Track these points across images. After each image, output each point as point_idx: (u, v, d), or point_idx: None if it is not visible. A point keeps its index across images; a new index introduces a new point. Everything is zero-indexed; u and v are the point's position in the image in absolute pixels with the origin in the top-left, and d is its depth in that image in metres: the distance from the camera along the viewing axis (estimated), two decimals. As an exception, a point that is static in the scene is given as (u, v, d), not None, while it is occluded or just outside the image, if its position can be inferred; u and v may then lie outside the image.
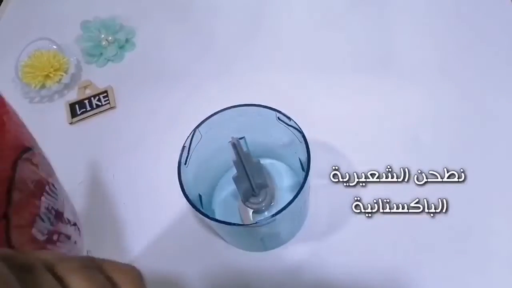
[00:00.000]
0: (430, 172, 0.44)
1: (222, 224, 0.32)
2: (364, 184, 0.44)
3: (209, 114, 0.36)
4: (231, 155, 0.35)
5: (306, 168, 0.33)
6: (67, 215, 0.34)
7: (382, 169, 0.45)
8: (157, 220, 0.45)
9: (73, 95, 0.57)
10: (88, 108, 0.55)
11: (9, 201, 0.25)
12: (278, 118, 0.36)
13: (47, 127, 0.55)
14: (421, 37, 0.55)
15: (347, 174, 0.45)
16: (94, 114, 0.54)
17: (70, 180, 0.49)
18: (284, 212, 0.31)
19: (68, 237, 0.33)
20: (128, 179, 0.49)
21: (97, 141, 0.52)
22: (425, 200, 0.43)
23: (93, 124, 0.54)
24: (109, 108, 0.55)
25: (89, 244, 0.44)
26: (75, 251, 0.35)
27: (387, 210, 0.42)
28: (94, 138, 0.53)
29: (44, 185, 0.30)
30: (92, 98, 0.56)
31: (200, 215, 0.32)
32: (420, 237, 0.41)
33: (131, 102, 0.55)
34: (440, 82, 0.51)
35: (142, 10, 0.65)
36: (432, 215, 0.42)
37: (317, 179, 0.44)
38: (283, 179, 0.45)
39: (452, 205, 0.42)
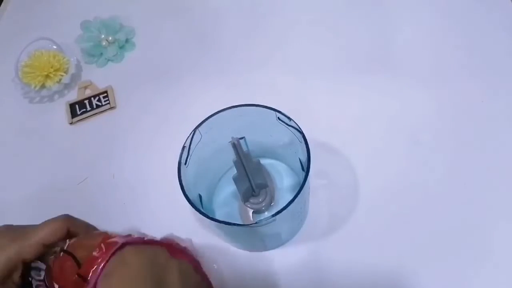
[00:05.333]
0: (430, 172, 0.44)
1: (222, 224, 0.32)
2: (364, 184, 0.44)
3: (209, 114, 0.36)
4: (231, 155, 0.35)
5: (306, 168, 0.33)
6: None
7: (382, 169, 0.45)
8: (157, 220, 0.45)
9: (73, 95, 0.57)
10: (88, 108, 0.55)
11: None
12: (278, 118, 0.36)
13: (47, 127, 0.55)
14: (421, 37, 0.55)
15: (346, 174, 0.45)
16: (94, 114, 0.54)
17: (70, 180, 0.49)
18: (284, 212, 0.31)
19: None
20: (128, 179, 0.49)
21: (97, 141, 0.52)
22: (425, 200, 0.43)
23: (93, 124, 0.54)
24: (109, 108, 0.55)
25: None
26: None
27: (387, 210, 0.43)
28: (94, 138, 0.53)
29: None
30: (92, 98, 0.56)
31: (200, 215, 0.32)
32: (420, 236, 0.41)
33: (131, 102, 0.55)
34: (440, 82, 0.51)
35: (142, 10, 0.65)
36: (432, 215, 0.42)
37: (317, 179, 0.44)
38: (283, 179, 0.45)
39: (452, 205, 0.42)
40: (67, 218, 0.32)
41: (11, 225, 0.31)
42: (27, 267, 0.30)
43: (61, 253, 0.29)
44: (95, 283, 0.26)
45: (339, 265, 0.40)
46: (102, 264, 0.27)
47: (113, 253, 0.28)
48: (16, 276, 0.30)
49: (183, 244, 0.33)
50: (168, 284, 0.28)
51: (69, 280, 0.27)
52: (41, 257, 0.30)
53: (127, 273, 0.27)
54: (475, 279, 0.38)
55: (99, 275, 0.27)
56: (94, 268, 0.27)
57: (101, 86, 0.57)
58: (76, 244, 0.30)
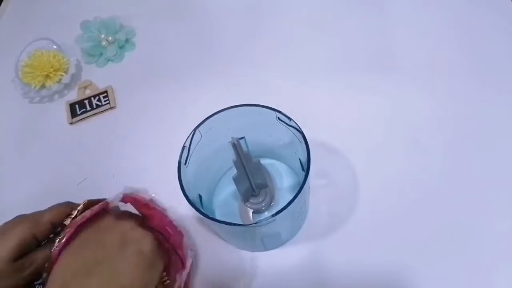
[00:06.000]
0: (430, 172, 0.44)
1: (222, 224, 0.32)
2: (364, 184, 0.44)
3: (209, 114, 0.36)
4: (231, 155, 0.35)
5: (306, 168, 0.33)
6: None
7: (382, 168, 0.45)
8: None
9: (73, 95, 0.57)
10: (88, 108, 0.55)
11: None
12: (278, 118, 0.36)
13: (47, 127, 0.55)
14: (421, 38, 0.55)
15: (346, 174, 0.45)
16: (94, 114, 0.54)
17: (70, 180, 0.49)
18: (284, 212, 0.31)
19: None
20: (128, 179, 0.48)
21: (97, 141, 0.52)
22: (425, 200, 0.43)
23: (93, 124, 0.54)
24: (109, 108, 0.55)
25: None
26: None
27: (387, 210, 0.43)
28: (94, 138, 0.53)
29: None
30: (92, 98, 0.56)
31: (200, 215, 0.32)
32: (420, 236, 0.41)
33: (131, 102, 0.55)
34: (440, 82, 0.51)
35: (142, 10, 0.65)
36: (432, 215, 0.42)
37: (317, 179, 0.44)
38: (283, 179, 0.45)
39: (452, 205, 0.42)
40: (70, 203, 0.36)
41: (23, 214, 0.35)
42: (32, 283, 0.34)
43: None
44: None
45: (339, 265, 0.40)
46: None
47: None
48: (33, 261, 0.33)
49: (147, 197, 0.36)
50: (108, 241, 0.31)
51: None
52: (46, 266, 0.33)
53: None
54: (475, 279, 0.38)
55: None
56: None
57: (101, 86, 0.57)
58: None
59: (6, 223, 0.33)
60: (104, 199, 0.36)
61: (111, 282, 0.29)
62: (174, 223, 0.37)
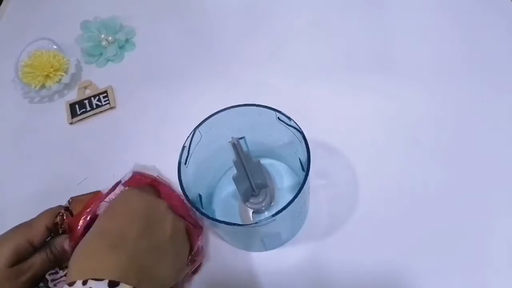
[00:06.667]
0: (430, 172, 0.44)
1: (222, 224, 0.32)
2: (364, 184, 0.44)
3: (209, 114, 0.36)
4: (231, 155, 0.35)
5: (306, 168, 0.33)
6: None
7: (382, 169, 0.45)
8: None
9: (73, 95, 0.57)
10: (88, 108, 0.55)
11: None
12: (278, 118, 0.36)
13: (47, 127, 0.55)
14: (421, 38, 0.55)
15: (346, 174, 0.45)
16: (94, 114, 0.54)
17: (70, 180, 0.49)
18: (284, 212, 0.31)
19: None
20: (128, 179, 0.48)
21: (97, 141, 0.52)
22: (425, 200, 0.43)
23: (93, 124, 0.54)
24: (109, 108, 0.55)
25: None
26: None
27: (387, 210, 0.43)
28: (94, 138, 0.53)
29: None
30: (92, 98, 0.56)
31: (200, 215, 0.32)
32: (420, 236, 0.41)
33: (131, 102, 0.55)
34: (440, 82, 0.51)
35: (142, 10, 0.65)
36: (432, 215, 0.42)
37: (317, 179, 0.44)
38: (283, 179, 0.45)
39: (451, 205, 0.42)
40: (61, 206, 0.36)
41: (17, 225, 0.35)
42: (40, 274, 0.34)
43: (63, 211, 0.35)
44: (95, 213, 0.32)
45: (339, 265, 0.40)
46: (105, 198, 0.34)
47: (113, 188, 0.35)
48: (37, 261, 0.33)
49: (153, 174, 0.37)
50: (160, 229, 0.32)
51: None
52: (57, 261, 0.34)
53: (126, 209, 0.32)
54: (475, 279, 0.38)
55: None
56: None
57: (101, 86, 0.57)
58: (75, 201, 0.36)
59: (0, 235, 0.34)
60: (91, 193, 0.37)
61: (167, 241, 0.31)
62: (180, 197, 0.38)
